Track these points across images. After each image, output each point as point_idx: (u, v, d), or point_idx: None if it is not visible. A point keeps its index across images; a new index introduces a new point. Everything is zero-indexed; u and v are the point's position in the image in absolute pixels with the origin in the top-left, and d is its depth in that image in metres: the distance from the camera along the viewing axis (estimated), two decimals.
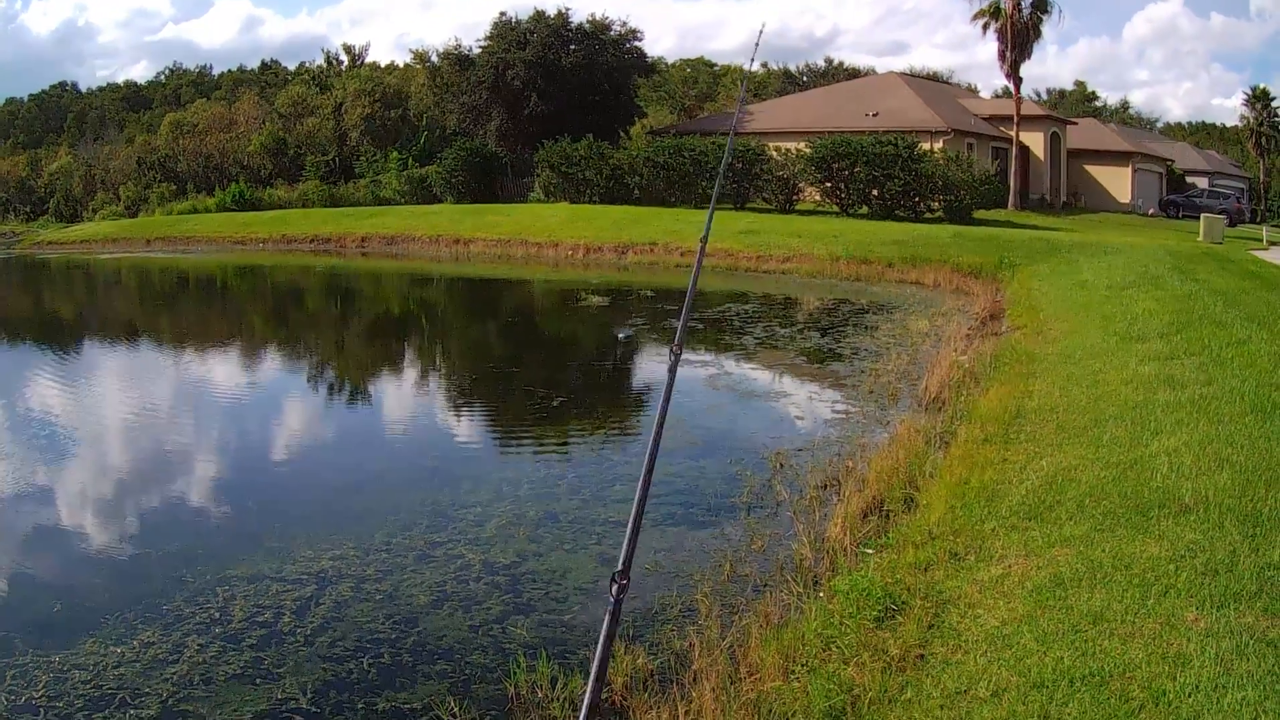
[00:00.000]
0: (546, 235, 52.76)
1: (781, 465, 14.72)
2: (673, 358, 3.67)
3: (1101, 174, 76.10)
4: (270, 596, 10.55)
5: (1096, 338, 19.18)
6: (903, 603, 8.67)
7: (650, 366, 23.83)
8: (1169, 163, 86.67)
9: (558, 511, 13.16)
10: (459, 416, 20.31)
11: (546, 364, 25.26)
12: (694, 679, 8.35)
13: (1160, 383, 14.56)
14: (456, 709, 8.30)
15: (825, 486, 13.49)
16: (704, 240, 5.79)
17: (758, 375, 22.63)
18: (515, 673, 8.73)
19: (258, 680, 8.85)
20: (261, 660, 9.20)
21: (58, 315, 40.28)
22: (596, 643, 3.42)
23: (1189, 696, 6.32)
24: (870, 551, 10.66)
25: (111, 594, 10.86)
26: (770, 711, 7.58)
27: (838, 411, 18.05)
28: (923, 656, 7.73)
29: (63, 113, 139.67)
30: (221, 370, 26.16)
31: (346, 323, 35.75)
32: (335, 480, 15.55)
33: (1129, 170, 75.90)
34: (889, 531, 11.03)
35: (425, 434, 18.76)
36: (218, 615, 10.11)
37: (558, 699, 8.41)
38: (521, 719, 8.24)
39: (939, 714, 6.85)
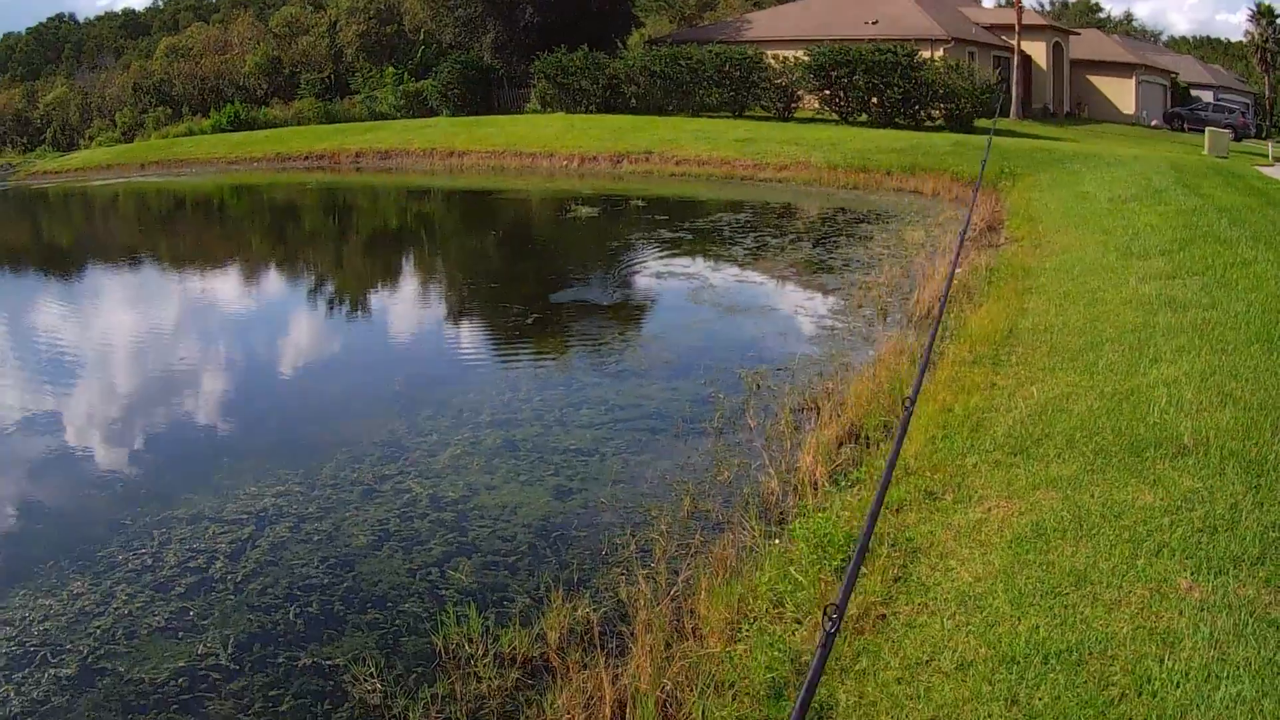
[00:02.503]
0: (541, 146, 51.55)
1: (758, 386, 13.90)
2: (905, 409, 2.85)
3: (1105, 85, 74.87)
4: (206, 540, 9.96)
5: (1096, 253, 18.34)
6: (869, 550, 7.82)
7: (633, 283, 22.95)
8: (1173, 75, 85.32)
9: (517, 439, 12.41)
10: (429, 338, 19.47)
11: (527, 279, 24.27)
12: (634, 634, 7.63)
13: (1161, 304, 13.75)
14: (377, 667, 7.69)
15: (802, 410, 12.73)
16: None
17: (743, 289, 21.62)
18: (444, 625, 8.09)
19: (181, 634, 8.31)
20: (188, 611, 8.65)
21: (49, 242, 39.67)
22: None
23: (1176, 687, 5.55)
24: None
25: (49, 541, 10.28)
26: (709, 679, 6.78)
27: (823, 328, 17.16)
28: (884, 617, 6.95)
29: (60, 44, 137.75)
30: (196, 293, 25.56)
31: (325, 241, 35.01)
32: (295, 408, 14.98)
33: (1133, 82, 74.65)
34: (863, 464, 10.19)
35: (392, 357, 18.02)
36: (150, 562, 9.55)
37: (486, 655, 7.71)
38: (444, 678, 7.54)
39: (894, 690, 6.09)
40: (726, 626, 7.42)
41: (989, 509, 8.21)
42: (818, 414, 12.18)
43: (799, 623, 7.10)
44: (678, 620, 7.86)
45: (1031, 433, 9.67)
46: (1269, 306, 12.98)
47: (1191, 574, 6.69)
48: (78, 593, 8.98)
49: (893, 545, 7.88)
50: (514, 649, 7.76)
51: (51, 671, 7.78)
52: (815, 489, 9.86)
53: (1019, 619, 6.47)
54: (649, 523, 9.89)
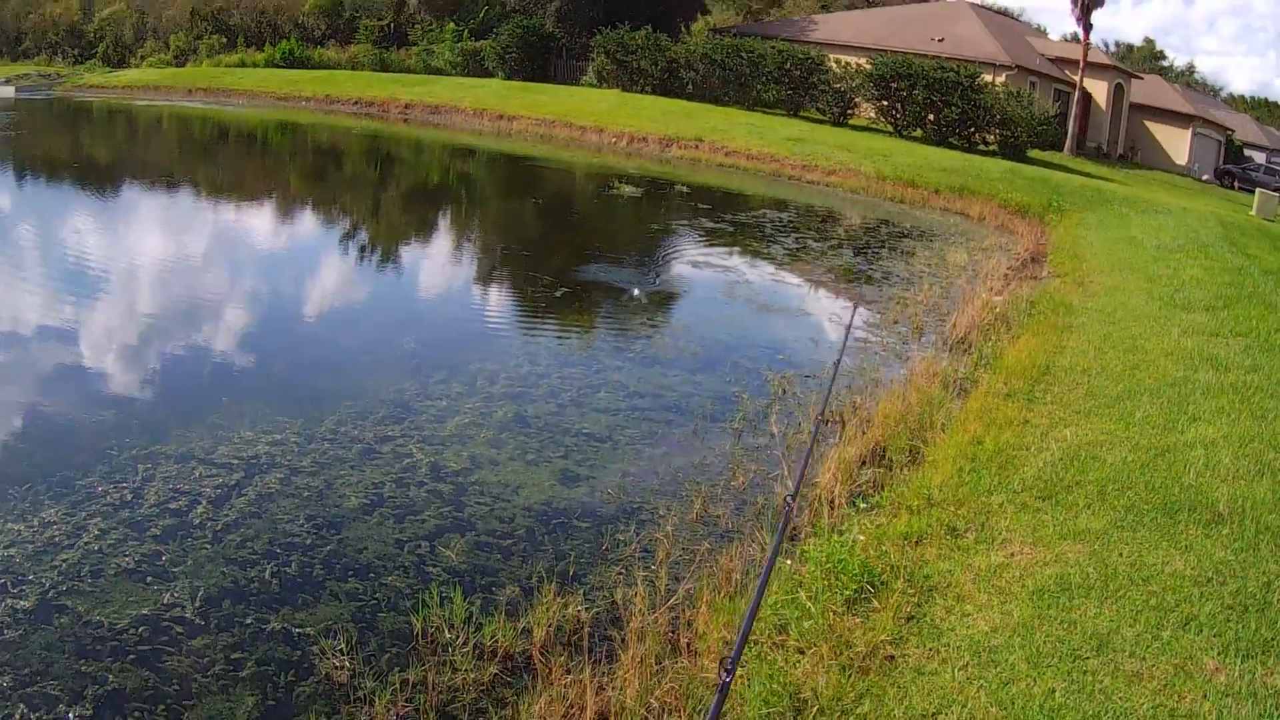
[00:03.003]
0: (592, 120, 51.25)
1: (784, 391, 13.48)
2: (784, 510, 2.49)
3: (1160, 132, 74.23)
4: (191, 481, 9.60)
5: (1140, 299, 17.84)
6: (882, 583, 7.43)
7: (667, 269, 22.50)
8: (1229, 132, 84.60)
9: (529, 415, 12.00)
10: (453, 299, 19.07)
11: (561, 251, 23.95)
12: (625, 642, 7.25)
13: (1202, 361, 13.29)
14: (348, 642, 7.32)
15: (826, 422, 12.18)
16: None
17: (778, 289, 21.20)
18: (426, 606, 7.67)
19: (149, 579, 7.95)
20: (160, 555, 8.29)
21: (86, 159, 39.21)
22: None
23: None
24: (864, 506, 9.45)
25: (30, 461, 9.91)
26: (699, 704, 6.37)
27: (855, 339, 16.62)
28: (893, 659, 6.51)
29: None
30: (226, 225, 25.33)
31: (362, 188, 34.79)
32: (307, 353, 14.55)
33: (1189, 133, 74.01)
34: (884, 488, 9.75)
35: (413, 313, 17.63)
36: (130, 497, 9.20)
37: (466, 644, 7.30)
38: (417, 664, 7.15)
39: None
40: (724, 647, 7.01)
41: (1012, 554, 7.79)
42: (842, 428, 11.79)
43: (801, 653, 6.67)
44: (673, 633, 7.47)
45: (1062, 478, 9.23)
46: None
47: (1219, 654, 6.26)
48: (49, 520, 8.64)
49: (908, 581, 7.45)
50: (496, 641, 7.35)
51: (9, 602, 7.44)
52: (833, 507, 9.44)
53: (1035, 680, 6.06)
54: (655, 521, 9.50)
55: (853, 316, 16.17)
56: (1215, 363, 13.17)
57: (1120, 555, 7.61)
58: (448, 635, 7.38)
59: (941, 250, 26.63)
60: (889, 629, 6.80)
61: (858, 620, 6.97)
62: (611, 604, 8.00)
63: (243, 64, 77.18)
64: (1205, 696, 5.82)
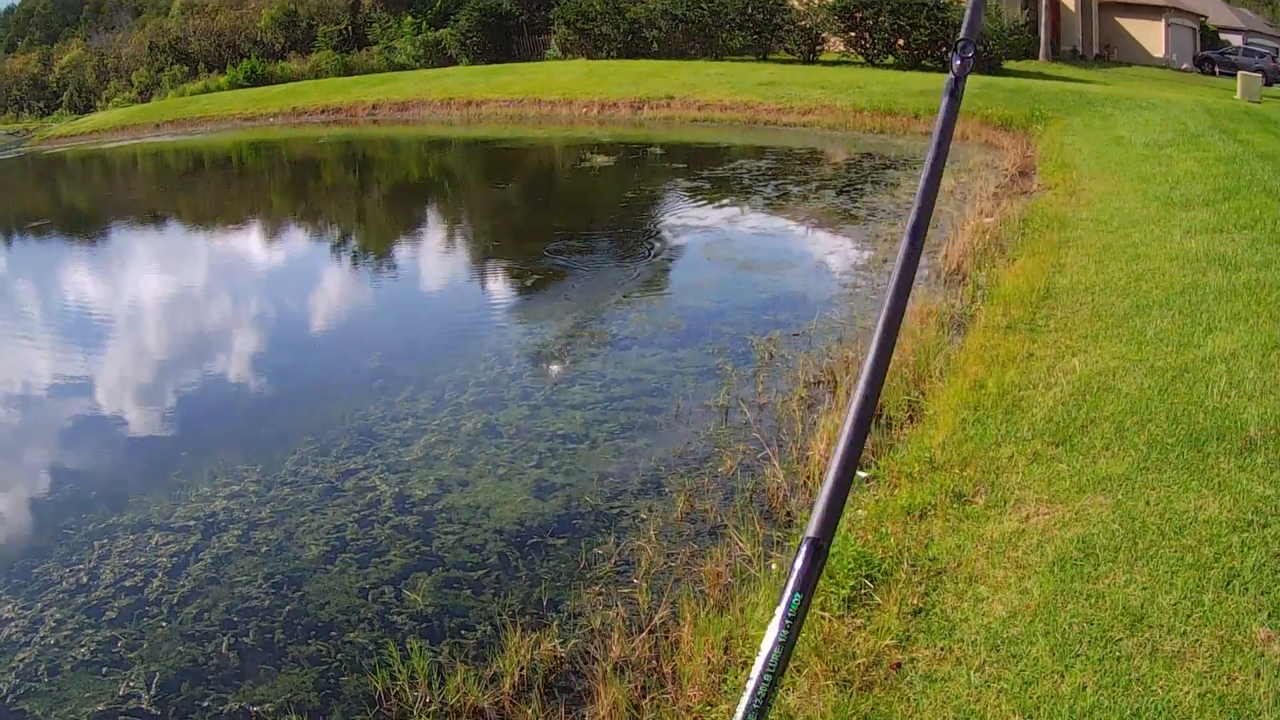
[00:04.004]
0: (560, 94, 50.64)
1: (770, 356, 12.65)
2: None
3: (1134, 27, 73.14)
4: (148, 552, 8.89)
5: (1135, 202, 17.00)
6: (885, 573, 6.58)
7: (642, 239, 21.70)
8: (1202, 18, 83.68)
9: (500, 423, 11.19)
10: (421, 303, 18.29)
11: (530, 236, 23.04)
12: (605, 677, 6.41)
13: (1210, 262, 12.44)
14: (308, 716, 6.61)
15: (818, 384, 11.49)
16: None
17: (760, 242, 20.31)
18: (386, 665, 6.91)
19: (105, 669, 7.29)
20: (116, 642, 7.60)
21: (64, 207, 39.25)
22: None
23: None
24: (864, 475, 8.58)
25: None
26: None
27: (844, 286, 15.86)
28: (900, 667, 5.67)
29: (80, 5, 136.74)
30: (193, 257, 24.77)
31: (327, 198, 34.06)
32: (271, 387, 13.91)
33: (1162, 24, 72.92)
34: (882, 456, 8.87)
35: (380, 325, 16.87)
36: (86, 580, 8.54)
37: (431, 703, 6.56)
38: None
39: None
40: (710, 674, 6.20)
41: (1027, 517, 6.94)
42: (834, 389, 10.97)
43: (796, 671, 5.81)
44: (655, 660, 6.63)
45: (1075, 418, 8.38)
46: None
47: (1269, 616, 5.40)
48: (6, 618, 8.01)
49: (913, 565, 6.60)
50: (462, 697, 6.55)
51: None
52: None
53: (1062, 675, 5.21)
54: (637, 527, 8.66)
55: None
56: (1224, 262, 12.34)
57: (1147, 504, 6.75)
58: (410, 694, 6.64)
59: None
60: (894, 629, 5.95)
61: (859, 621, 6.14)
62: (590, 633, 7.17)
63: (207, 89, 76.69)
64: (1259, 675, 4.96)
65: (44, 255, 27.06)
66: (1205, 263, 12.43)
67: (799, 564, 1.94)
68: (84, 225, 31.16)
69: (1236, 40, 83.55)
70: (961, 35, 2.29)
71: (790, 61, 54.36)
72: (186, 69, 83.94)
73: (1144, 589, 5.81)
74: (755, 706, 1.83)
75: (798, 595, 1.91)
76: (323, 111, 58.99)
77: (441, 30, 72.73)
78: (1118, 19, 72.73)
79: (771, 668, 1.86)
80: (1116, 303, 11.38)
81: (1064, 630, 5.58)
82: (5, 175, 53.58)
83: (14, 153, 67.59)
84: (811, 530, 1.98)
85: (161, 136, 61.41)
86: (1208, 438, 7.53)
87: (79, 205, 36.93)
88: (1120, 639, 5.42)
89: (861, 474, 8.60)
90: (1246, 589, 5.66)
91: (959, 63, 2.28)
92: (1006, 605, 5.95)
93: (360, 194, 33.88)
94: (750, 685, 1.84)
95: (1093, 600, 5.80)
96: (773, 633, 1.87)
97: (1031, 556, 6.41)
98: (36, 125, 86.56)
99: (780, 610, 1.88)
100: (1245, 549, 6.02)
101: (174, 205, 33.57)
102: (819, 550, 1.96)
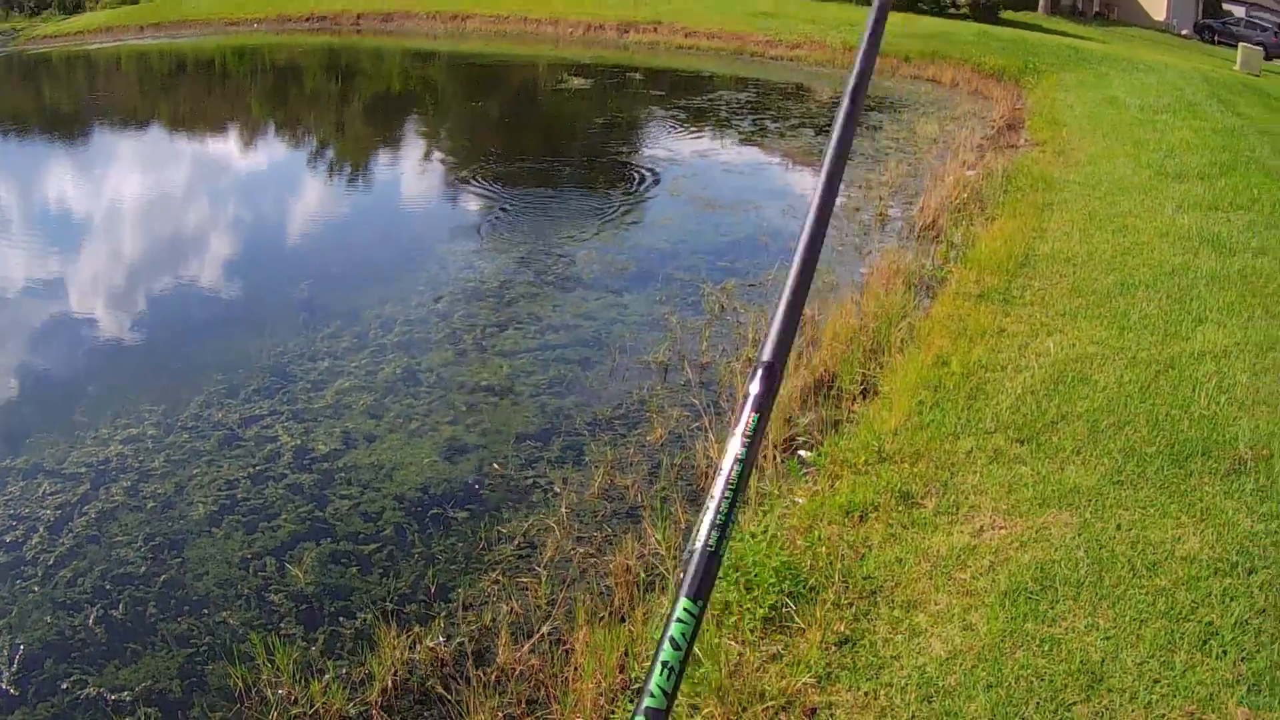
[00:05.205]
0: (548, 12, 49.60)
1: (721, 309, 11.80)
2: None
3: None
4: (34, 502, 8.11)
5: (1127, 168, 16.19)
6: (812, 589, 5.70)
7: (603, 171, 20.70)
8: None
9: (421, 369, 10.34)
10: (362, 228, 17.27)
11: (490, 159, 21.89)
12: (486, 689, 5.68)
13: (1203, 241, 11.68)
14: (165, 709, 5.92)
15: None
16: None
17: (727, 180, 19.21)
18: (251, 657, 6.17)
19: None
20: None
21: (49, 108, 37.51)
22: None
23: None
24: (806, 456, 7.73)
25: None
26: None
27: None
28: (814, 715, 4.80)
29: None
30: (138, 164, 23.53)
31: (287, 108, 32.95)
32: (192, 314, 12.87)
33: None
34: (826, 437, 8.00)
35: (315, 247, 15.94)
36: None
37: (292, 707, 5.83)
38: None
39: None
40: (600, 696, 5.38)
41: (980, 529, 6.09)
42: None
43: (693, 713, 4.96)
44: (542, 671, 5.78)
45: (1045, 411, 7.54)
46: None
47: (1249, 691, 4.59)
48: None
49: (845, 582, 5.73)
50: (326, 703, 5.78)
51: None
52: (765, 462, 7.73)
53: None
54: (548, 503, 7.82)
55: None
56: (1217, 244, 11.56)
57: (1118, 528, 5.90)
58: (271, 694, 5.88)
59: (911, 122, 24.88)
60: (814, 663, 5.10)
61: (774, 650, 5.28)
62: (480, 630, 6.38)
63: None
64: None
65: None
66: (1197, 242, 11.65)
67: (755, 387, 2.07)
68: (55, 127, 30.05)
69: (1239, 11, 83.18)
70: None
71: None
72: None
73: (1107, 639, 4.97)
74: (718, 522, 1.91)
75: (755, 415, 2.03)
76: (308, 19, 57.93)
77: None
78: None
79: (732, 484, 1.96)
80: (1100, 278, 10.56)
81: (1010, 684, 4.75)
82: (5, 73, 52.62)
83: (1, 51, 66.84)
84: (765, 355, 2.08)
85: (145, 39, 60.36)
86: (1192, 452, 6.71)
87: (60, 107, 35.78)
88: (1074, 704, 4.60)
89: (804, 454, 7.80)
90: (1225, 652, 4.82)
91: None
92: (946, 643, 5.10)
93: (337, 107, 32.87)
94: (713, 502, 1.92)
95: (1047, 648, 4.96)
96: (733, 449, 1.97)
97: (981, 581, 5.57)
98: (25, 24, 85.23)
99: (739, 429, 1.99)
100: (1227, 599, 5.18)
101: (147, 111, 32.45)
102: (773, 373, 2.09)
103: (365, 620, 6.55)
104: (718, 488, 1.91)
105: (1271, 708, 4.47)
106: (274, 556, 7.28)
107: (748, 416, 1.97)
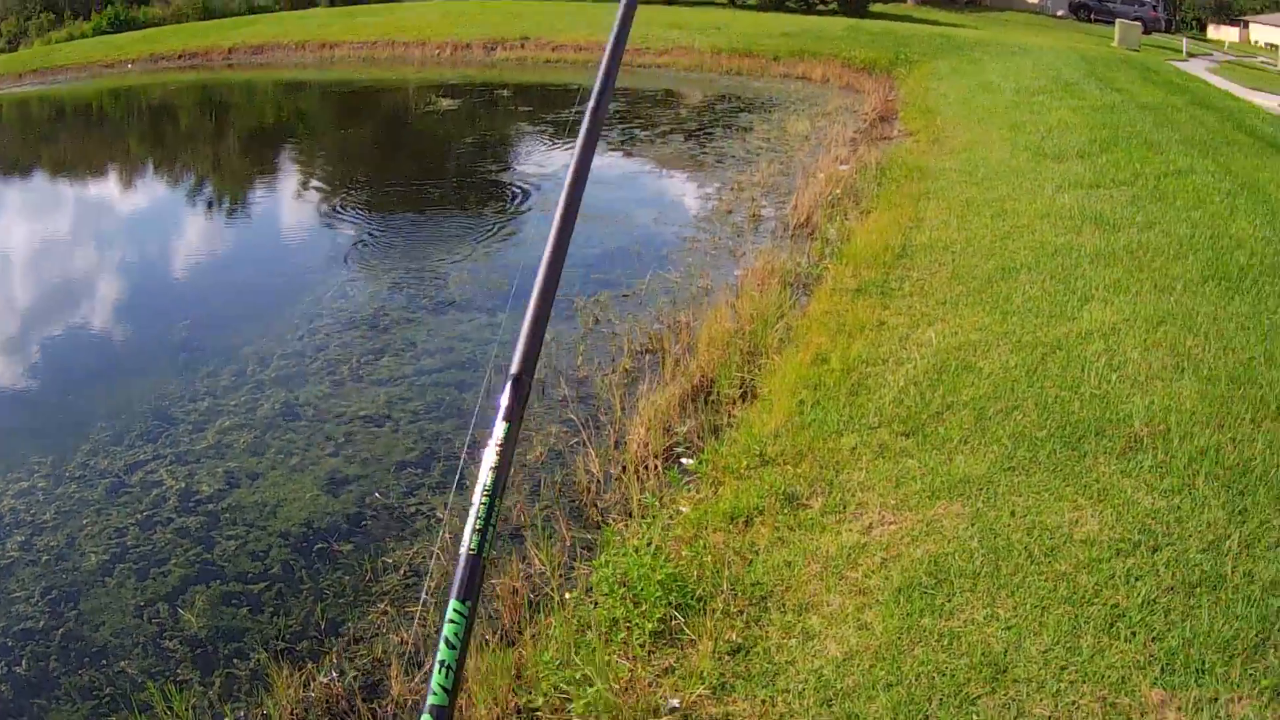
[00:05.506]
0: (416, 34, 49.58)
1: (595, 321, 11.69)
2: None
3: None
4: None
5: (1003, 152, 16.32)
6: (700, 599, 5.57)
7: (473, 189, 20.51)
8: None
9: (299, 403, 10.12)
10: (235, 261, 16.89)
11: (357, 187, 21.73)
12: None
13: (1085, 220, 11.73)
14: None
15: (645, 353, 10.58)
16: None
17: (597, 193, 18.72)
18: (145, 707, 6.04)
19: None
20: None
21: None
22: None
23: None
24: (688, 464, 7.64)
25: None
26: None
27: (683, 239, 14.86)
28: None
29: None
30: (20, 211, 22.98)
31: (153, 149, 32.05)
32: (75, 361, 12.52)
33: None
34: (708, 444, 7.90)
35: (192, 285, 15.44)
36: None
37: None
38: None
39: None
40: None
41: (869, 526, 6.00)
42: (661, 360, 10.05)
43: None
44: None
45: (929, 402, 7.49)
46: (1217, 230, 10.98)
47: (1162, 671, 4.51)
48: None
49: (734, 589, 5.61)
50: None
51: None
52: (646, 473, 7.63)
53: None
54: (431, 529, 7.71)
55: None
56: (1100, 221, 11.62)
57: (1012, 515, 5.84)
58: None
59: (781, 121, 24.92)
60: (710, 674, 4.98)
61: (666, 664, 5.16)
62: (372, 663, 6.27)
63: (70, 37, 74.54)
64: None
65: None
66: (1080, 221, 11.70)
67: (504, 399, 2.38)
68: None
69: None
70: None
71: (649, 1, 53.35)
72: (53, 17, 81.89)
73: (1008, 629, 4.89)
74: (477, 527, 2.22)
75: (506, 424, 2.34)
76: (180, 56, 57.39)
77: None
78: None
79: (488, 490, 2.30)
80: (980, 264, 10.57)
81: (910, 682, 4.65)
82: None
83: None
84: (514, 368, 2.37)
85: (25, 86, 59.74)
86: (1085, 433, 6.68)
87: None
88: (979, 697, 4.50)
89: (686, 462, 7.72)
90: (1134, 634, 4.75)
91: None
92: (842, 644, 5.00)
93: (212, 142, 32.23)
94: (473, 509, 2.24)
95: (946, 643, 4.87)
96: (488, 459, 2.31)
97: (873, 579, 5.48)
98: None
99: (491, 441, 2.30)
100: (1132, 580, 5.12)
101: (29, 158, 31.67)
102: (520, 384, 2.40)
103: (259, 661, 6.42)
104: (476, 495, 2.19)
105: (1187, 687, 4.39)
106: (166, 602, 7.13)
107: (498, 426, 2.25)
